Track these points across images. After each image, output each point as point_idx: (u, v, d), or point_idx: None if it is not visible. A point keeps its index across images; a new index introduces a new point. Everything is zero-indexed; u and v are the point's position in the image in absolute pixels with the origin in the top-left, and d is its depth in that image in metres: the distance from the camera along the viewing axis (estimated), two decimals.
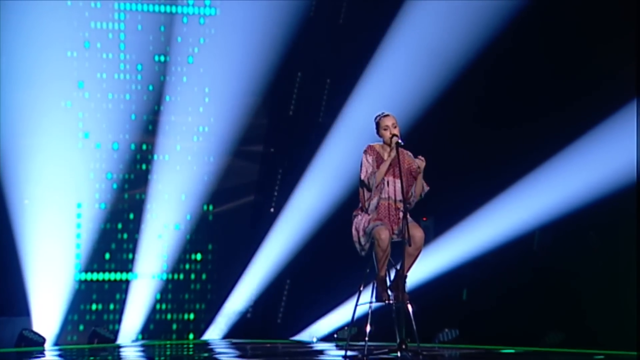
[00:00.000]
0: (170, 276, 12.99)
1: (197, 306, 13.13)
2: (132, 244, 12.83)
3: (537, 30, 11.80)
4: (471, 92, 12.11)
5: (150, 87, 12.91)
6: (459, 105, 12.13)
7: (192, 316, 13.07)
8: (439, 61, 12.20)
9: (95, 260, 12.69)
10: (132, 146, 12.89)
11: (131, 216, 12.86)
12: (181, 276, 13.06)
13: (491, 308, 11.74)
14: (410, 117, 11.90)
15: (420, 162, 8.25)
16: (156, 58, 12.90)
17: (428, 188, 8.37)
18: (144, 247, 12.82)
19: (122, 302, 12.69)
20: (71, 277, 12.48)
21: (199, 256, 13.14)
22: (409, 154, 8.42)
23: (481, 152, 11.96)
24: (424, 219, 11.88)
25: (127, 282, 12.75)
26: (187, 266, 13.12)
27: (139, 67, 12.83)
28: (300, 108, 13.43)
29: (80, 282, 12.55)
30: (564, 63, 11.63)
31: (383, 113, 8.33)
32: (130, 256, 12.80)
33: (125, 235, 12.83)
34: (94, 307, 12.65)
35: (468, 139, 12.09)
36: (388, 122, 8.26)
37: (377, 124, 8.32)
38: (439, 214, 12.06)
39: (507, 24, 11.81)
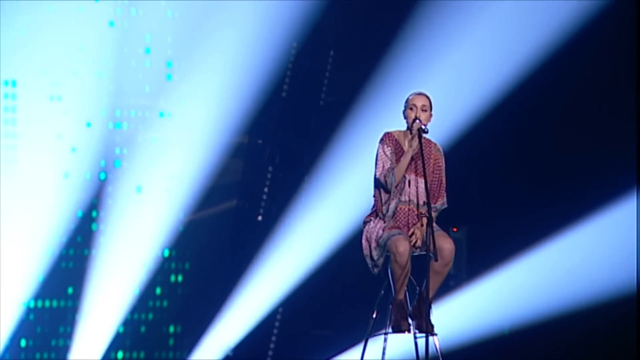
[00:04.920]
0: (134, 303, 12.87)
1: (165, 341, 13.09)
2: (88, 262, 12.79)
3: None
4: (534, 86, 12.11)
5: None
6: (516, 96, 12.13)
7: (159, 355, 13.03)
8: (489, 39, 12.18)
9: (43, 284, 12.62)
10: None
11: (94, 227, 12.86)
12: (147, 303, 12.97)
13: (538, 344, 11.89)
14: (445, 103, 11.78)
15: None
16: (112, 24, 12.86)
17: (446, 205, 8.33)
18: (101, 265, 12.73)
19: (71, 335, 12.66)
20: (19, 303, 12.50)
21: (172, 278, 13.15)
22: (438, 147, 8.33)
23: (540, 155, 12.20)
24: (455, 229, 12.18)
25: (80, 310, 12.71)
26: (157, 290, 13.07)
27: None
28: (296, 88, 13.29)
29: (29, 309, 12.59)
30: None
31: (417, 91, 8.24)
32: (87, 278, 12.72)
33: (82, 252, 12.82)
34: (39, 341, 12.65)
35: (517, 136, 12.24)
36: (417, 101, 8.13)
37: (406, 103, 8.21)
38: (473, 223, 12.42)
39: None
